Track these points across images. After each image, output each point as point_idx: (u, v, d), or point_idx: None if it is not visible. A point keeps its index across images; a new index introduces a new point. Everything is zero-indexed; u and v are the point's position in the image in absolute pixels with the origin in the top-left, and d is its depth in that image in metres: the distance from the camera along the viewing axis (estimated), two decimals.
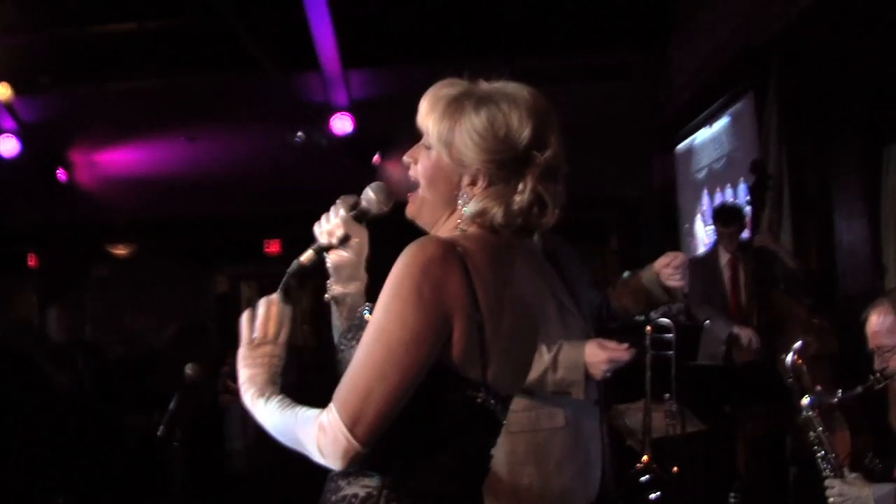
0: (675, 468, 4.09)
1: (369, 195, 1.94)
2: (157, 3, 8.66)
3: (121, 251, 12.26)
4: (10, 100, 8.89)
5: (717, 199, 7.78)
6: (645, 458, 3.91)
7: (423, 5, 8.70)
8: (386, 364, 1.60)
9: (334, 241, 1.94)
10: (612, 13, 8.63)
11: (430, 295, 1.61)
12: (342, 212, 1.94)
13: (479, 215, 1.72)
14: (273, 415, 1.71)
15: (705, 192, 8.25)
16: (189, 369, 3.00)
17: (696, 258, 6.92)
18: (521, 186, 1.71)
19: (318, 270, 1.99)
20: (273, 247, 11.29)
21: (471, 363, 1.68)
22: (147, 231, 11.57)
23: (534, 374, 2.73)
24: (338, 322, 1.97)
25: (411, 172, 1.82)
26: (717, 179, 7.89)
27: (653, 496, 3.51)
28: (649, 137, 9.45)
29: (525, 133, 1.70)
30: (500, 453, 2.79)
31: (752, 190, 5.45)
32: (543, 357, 2.76)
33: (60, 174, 10.28)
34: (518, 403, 2.79)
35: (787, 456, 4.17)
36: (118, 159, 10.44)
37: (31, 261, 12.13)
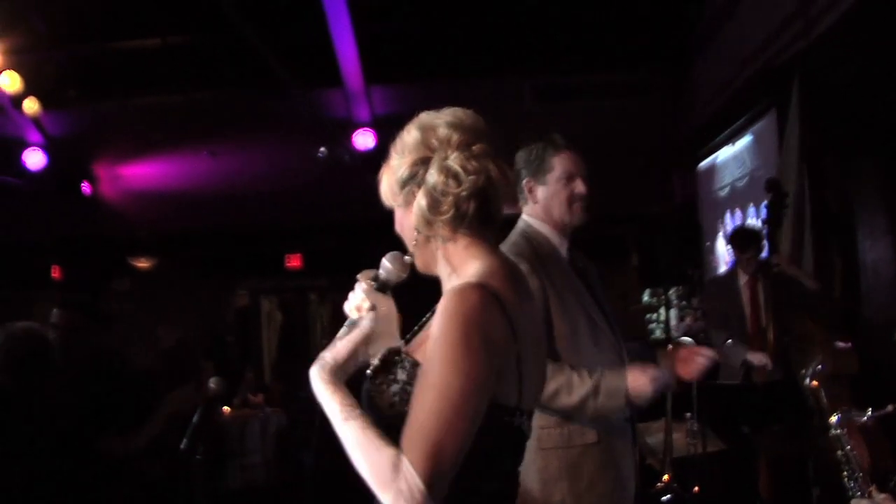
0: (696, 488, 4.07)
1: (386, 265, 1.99)
2: (181, 20, 8.75)
3: (143, 264, 12.35)
4: (38, 114, 8.98)
5: (739, 218, 7.75)
6: (666, 477, 3.89)
7: (445, 22, 8.74)
8: (451, 416, 1.63)
9: (363, 314, 1.98)
10: (634, 30, 8.64)
11: (479, 341, 1.66)
12: (363, 284, 2.00)
13: (419, 217, 1.83)
14: (353, 434, 1.72)
15: (727, 210, 8.22)
16: (213, 383, 3.02)
17: (716, 278, 6.89)
18: (430, 171, 1.82)
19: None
20: (294, 261, 11.33)
21: (509, 391, 1.74)
22: (169, 244, 11.66)
23: (574, 398, 2.74)
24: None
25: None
26: (739, 198, 7.86)
27: None
28: (671, 154, 9.43)
29: (414, 135, 1.86)
30: (533, 469, 2.80)
31: (768, 208, 5.43)
32: (586, 383, 2.75)
33: (85, 187, 10.39)
34: (550, 420, 2.80)
35: (810, 477, 4.14)
36: (141, 173, 10.53)
37: (55, 272, 12.24)
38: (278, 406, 9.01)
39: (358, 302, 1.98)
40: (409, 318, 1.95)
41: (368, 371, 2.00)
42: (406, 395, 1.74)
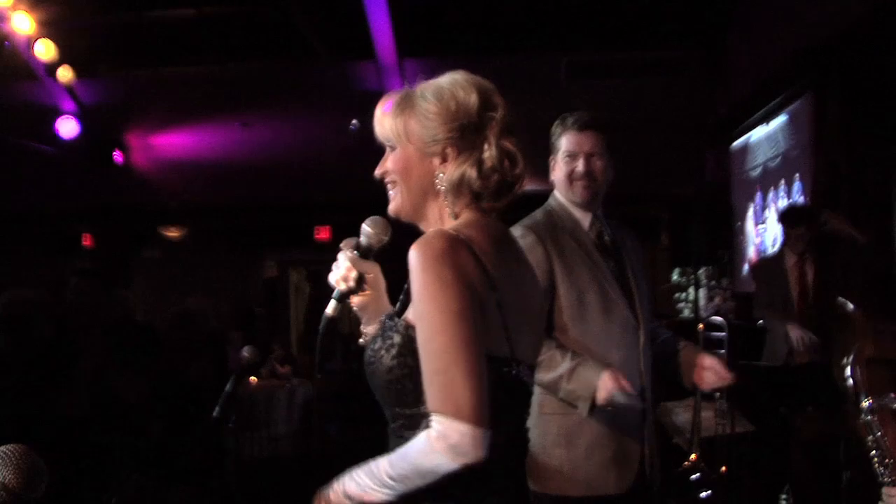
0: (724, 468, 4.05)
1: (366, 230, 2.01)
2: None
3: (173, 233, 12.44)
4: (72, 82, 9.04)
5: (771, 198, 7.68)
6: (693, 456, 3.87)
7: None
8: (450, 349, 1.67)
9: (351, 283, 2.00)
10: (670, 7, 8.55)
11: (453, 277, 1.69)
12: (348, 254, 2.01)
13: (458, 183, 1.83)
14: (387, 472, 1.74)
15: (759, 190, 8.14)
16: (246, 352, 3.04)
17: (762, 260, 6.82)
18: (486, 145, 1.83)
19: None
20: (323, 233, 11.38)
21: (499, 341, 1.76)
22: (199, 214, 11.73)
23: (550, 375, 2.80)
24: None
25: (386, 178, 1.94)
26: (771, 178, 7.78)
27: (703, 495, 3.47)
28: (704, 134, 9.35)
29: (473, 98, 1.83)
30: (534, 434, 2.80)
31: (818, 193, 5.38)
32: (563, 364, 2.80)
33: (117, 156, 10.46)
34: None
35: (841, 460, 4.11)
36: (173, 143, 10.59)
37: (86, 240, 12.36)
38: (305, 377, 9.06)
39: (343, 272, 2.00)
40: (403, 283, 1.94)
41: (361, 340, 2.03)
42: (402, 359, 1.77)
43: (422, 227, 1.92)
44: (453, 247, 1.71)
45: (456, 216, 1.86)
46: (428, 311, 1.69)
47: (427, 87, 1.88)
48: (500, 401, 1.74)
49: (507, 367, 1.78)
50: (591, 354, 2.85)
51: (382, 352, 1.80)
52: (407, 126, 1.88)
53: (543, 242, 2.89)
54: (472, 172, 1.82)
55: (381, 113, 1.93)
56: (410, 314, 1.79)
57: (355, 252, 2.01)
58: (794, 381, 4.97)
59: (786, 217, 5.74)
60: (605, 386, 2.74)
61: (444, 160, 1.85)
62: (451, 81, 1.86)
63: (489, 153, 1.82)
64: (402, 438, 1.79)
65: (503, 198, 1.86)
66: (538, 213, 3.04)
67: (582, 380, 2.78)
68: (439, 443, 1.65)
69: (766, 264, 6.07)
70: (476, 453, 1.65)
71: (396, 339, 1.78)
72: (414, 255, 1.71)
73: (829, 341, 4.95)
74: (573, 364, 2.79)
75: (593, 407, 2.79)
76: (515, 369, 1.80)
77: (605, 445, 2.88)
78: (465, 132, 1.83)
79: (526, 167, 1.85)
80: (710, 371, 2.99)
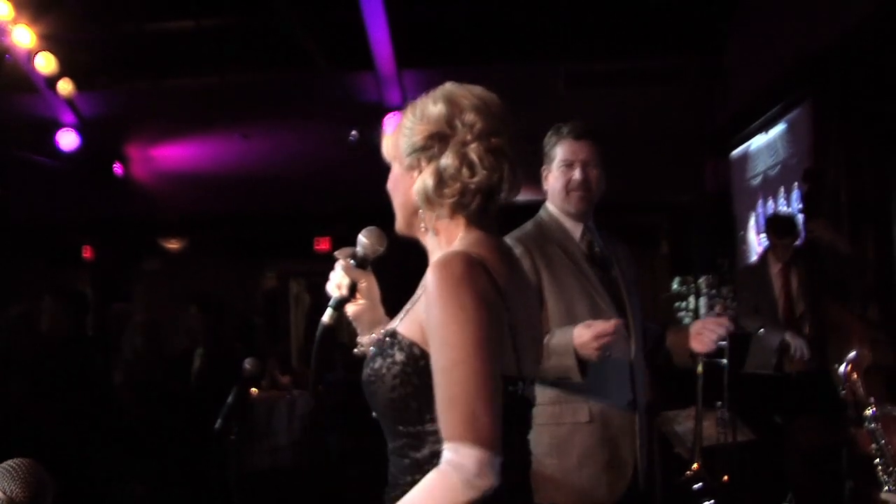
0: (726, 477, 4.04)
1: (362, 241, 2.03)
2: (214, 2, 8.77)
3: (173, 245, 12.43)
4: (72, 95, 9.05)
5: (771, 207, 7.68)
6: (695, 465, 3.86)
7: (478, 7, 8.70)
8: (471, 378, 1.64)
9: (345, 291, 2.02)
10: (668, 15, 8.56)
11: (475, 303, 1.67)
12: (341, 261, 2.04)
13: (422, 192, 1.82)
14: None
15: (760, 198, 8.15)
16: (248, 364, 3.04)
17: (746, 267, 6.83)
18: (447, 153, 1.80)
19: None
20: (323, 244, 11.36)
21: (508, 361, 1.75)
22: (199, 226, 11.72)
23: None
24: None
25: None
26: (771, 186, 7.79)
27: None
28: (703, 142, 9.35)
29: (439, 108, 1.82)
30: None
31: (805, 198, 5.37)
32: None
33: (117, 168, 10.46)
34: (544, 396, 2.80)
35: (843, 469, 4.11)
36: (173, 155, 10.60)
37: (87, 252, 12.34)
38: (306, 388, 9.04)
39: (338, 280, 2.03)
40: (398, 295, 1.95)
41: (356, 350, 2.03)
42: (406, 377, 1.74)
43: (427, 247, 1.91)
44: (471, 268, 1.70)
45: (436, 232, 1.86)
46: (450, 339, 1.66)
47: (413, 103, 1.89)
48: (507, 419, 1.73)
49: (513, 386, 1.77)
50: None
51: (384, 370, 1.76)
52: (396, 143, 1.89)
53: (531, 254, 2.90)
54: (429, 180, 1.81)
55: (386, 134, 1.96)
56: (406, 327, 1.78)
57: (350, 261, 2.03)
58: (792, 389, 4.96)
59: (771, 227, 5.74)
60: (582, 340, 2.71)
61: (420, 172, 1.84)
62: (430, 94, 1.87)
63: (447, 161, 1.79)
64: (406, 458, 1.77)
65: (468, 207, 1.82)
66: (528, 225, 3.04)
67: (559, 350, 2.75)
68: (457, 474, 1.61)
69: (750, 272, 6.08)
70: (492, 480, 1.62)
71: (399, 356, 1.75)
72: (433, 280, 1.69)
73: (825, 349, 4.95)
74: (545, 342, 2.74)
75: (584, 369, 2.75)
76: (521, 388, 1.80)
77: (597, 455, 2.89)
78: (430, 140, 1.81)
79: (493, 177, 1.80)
80: (706, 328, 2.97)
